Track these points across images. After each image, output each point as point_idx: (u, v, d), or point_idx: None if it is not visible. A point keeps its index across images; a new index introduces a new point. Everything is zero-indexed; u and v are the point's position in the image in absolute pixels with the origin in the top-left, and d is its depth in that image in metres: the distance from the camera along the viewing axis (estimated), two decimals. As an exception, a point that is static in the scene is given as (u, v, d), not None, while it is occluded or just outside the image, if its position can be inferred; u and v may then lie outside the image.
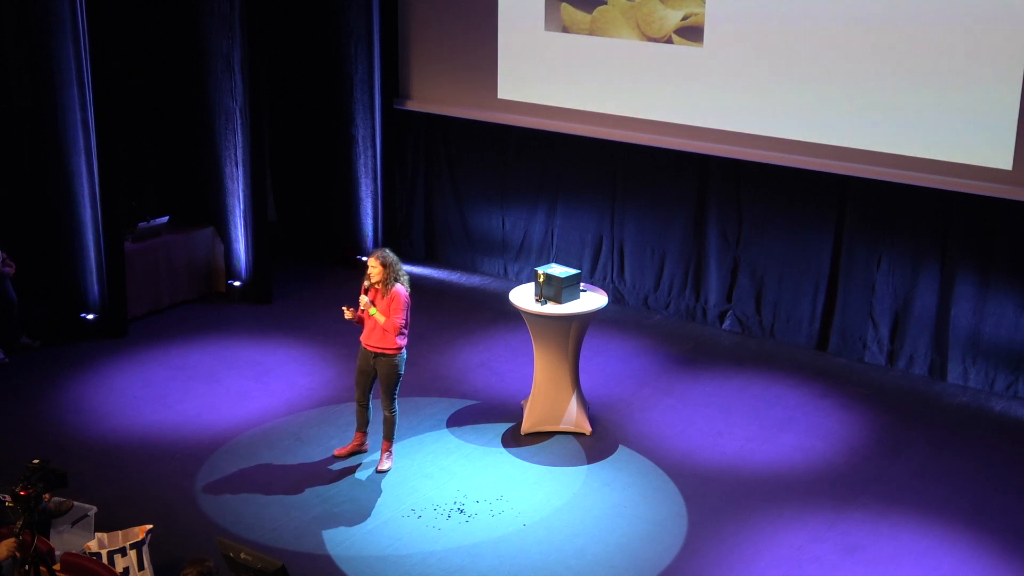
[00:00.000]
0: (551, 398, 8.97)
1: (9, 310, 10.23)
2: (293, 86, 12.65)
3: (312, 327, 10.99)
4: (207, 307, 11.58)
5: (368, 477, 8.40)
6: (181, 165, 12.03)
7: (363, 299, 8.15)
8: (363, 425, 8.61)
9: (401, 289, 8.17)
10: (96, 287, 10.59)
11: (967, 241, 9.80)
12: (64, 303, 10.72)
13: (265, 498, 8.12)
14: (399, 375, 8.31)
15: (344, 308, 8.25)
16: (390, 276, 8.13)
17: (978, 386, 9.92)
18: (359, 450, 8.65)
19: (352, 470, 8.48)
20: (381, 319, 8.11)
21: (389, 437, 8.51)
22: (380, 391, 8.38)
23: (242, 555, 5.84)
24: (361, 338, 8.32)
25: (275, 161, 12.99)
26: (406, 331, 8.24)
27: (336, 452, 8.67)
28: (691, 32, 10.45)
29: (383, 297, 8.15)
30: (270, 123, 12.61)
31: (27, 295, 10.56)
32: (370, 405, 8.53)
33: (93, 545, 6.86)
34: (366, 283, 8.18)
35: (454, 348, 10.63)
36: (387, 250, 8.29)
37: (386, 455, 8.51)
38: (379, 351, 8.23)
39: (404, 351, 8.28)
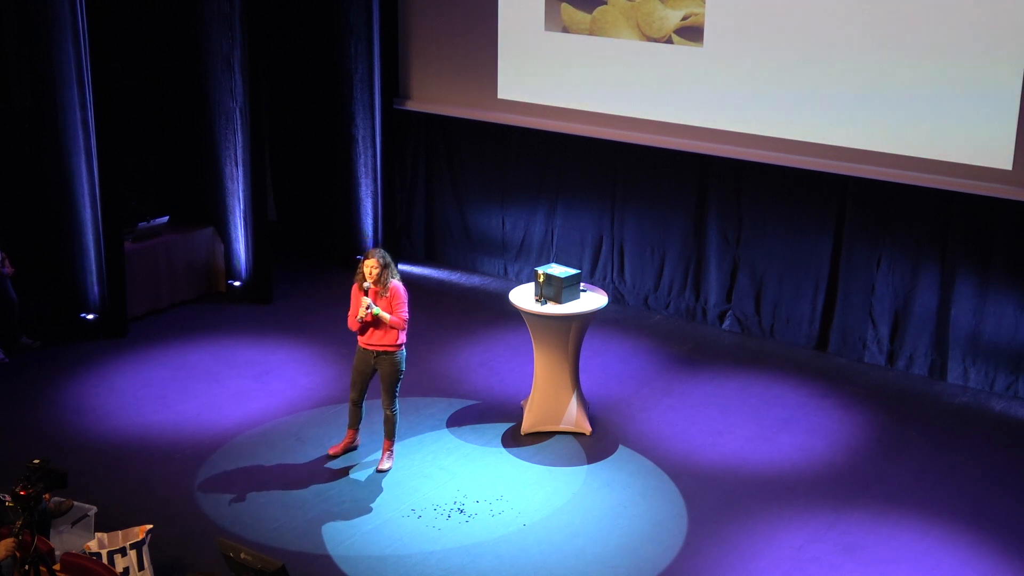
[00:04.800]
0: (551, 398, 8.97)
1: (9, 310, 10.24)
2: (293, 86, 12.65)
3: (312, 327, 10.99)
4: (207, 307, 11.57)
5: (368, 477, 8.40)
6: (181, 165, 12.03)
7: (366, 300, 8.13)
8: (356, 423, 8.63)
9: (400, 285, 8.21)
10: (96, 287, 10.59)
11: (967, 241, 9.80)
12: (64, 303, 10.71)
13: (265, 498, 8.12)
14: (401, 372, 8.32)
15: (360, 314, 8.09)
16: (388, 275, 8.15)
17: (978, 386, 9.91)
18: (351, 447, 8.67)
19: (351, 470, 8.48)
20: (387, 317, 8.12)
21: (390, 436, 8.51)
22: (381, 390, 8.38)
23: (242, 555, 5.85)
24: (360, 338, 8.32)
25: (275, 161, 12.99)
26: (406, 326, 8.29)
27: (330, 451, 8.69)
28: (691, 32, 10.45)
29: (381, 296, 8.15)
30: (270, 123, 12.61)
31: (27, 295, 10.56)
32: (363, 404, 8.56)
33: (93, 545, 6.86)
34: (365, 284, 8.17)
35: (454, 348, 10.63)
36: (382, 249, 8.35)
37: (387, 455, 8.51)
38: (382, 349, 8.23)
39: (404, 348, 8.30)
